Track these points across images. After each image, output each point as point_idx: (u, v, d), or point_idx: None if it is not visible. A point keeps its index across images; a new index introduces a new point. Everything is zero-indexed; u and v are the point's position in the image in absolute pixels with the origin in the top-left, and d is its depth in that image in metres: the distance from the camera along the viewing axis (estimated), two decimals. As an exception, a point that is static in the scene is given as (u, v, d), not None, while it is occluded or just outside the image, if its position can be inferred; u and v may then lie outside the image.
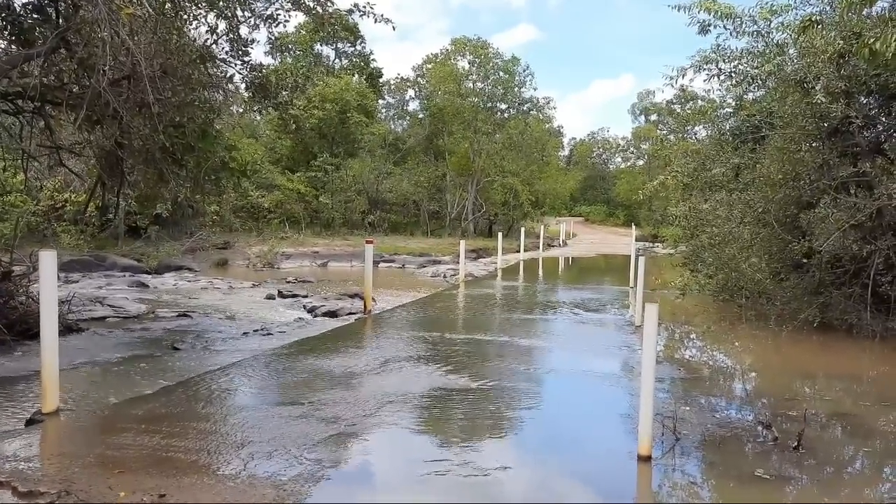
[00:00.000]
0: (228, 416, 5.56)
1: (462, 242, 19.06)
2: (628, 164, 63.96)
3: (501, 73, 39.87)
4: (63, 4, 7.25)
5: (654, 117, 58.30)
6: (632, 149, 62.68)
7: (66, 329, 8.55)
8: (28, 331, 9.01)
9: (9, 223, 13.05)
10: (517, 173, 38.74)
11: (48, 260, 5.49)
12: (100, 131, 8.43)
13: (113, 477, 4.09)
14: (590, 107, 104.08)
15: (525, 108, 42.66)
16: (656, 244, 31.58)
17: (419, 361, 7.81)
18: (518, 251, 27.62)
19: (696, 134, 17.76)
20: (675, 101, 21.22)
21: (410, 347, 8.70)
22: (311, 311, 13.55)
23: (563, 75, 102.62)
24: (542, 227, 35.13)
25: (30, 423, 4.66)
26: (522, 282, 18.84)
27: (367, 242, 12.70)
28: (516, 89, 40.99)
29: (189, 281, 19.30)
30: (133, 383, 7.24)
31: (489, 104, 40.62)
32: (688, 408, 6.07)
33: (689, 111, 17.17)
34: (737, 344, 9.55)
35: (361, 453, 4.90)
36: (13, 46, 7.92)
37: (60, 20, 7.33)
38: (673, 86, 12.93)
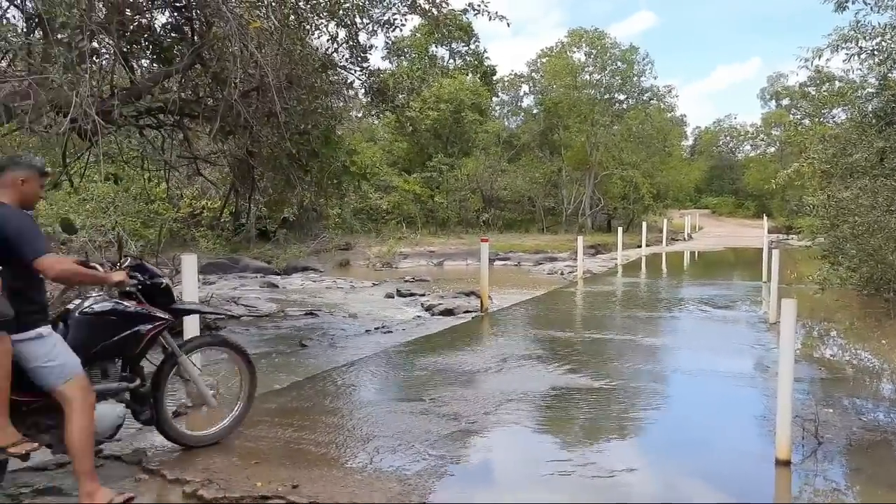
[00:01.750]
0: (354, 410, 5.74)
1: (579, 238, 18.76)
2: (758, 151, 60.72)
3: (619, 64, 38.89)
4: (198, 23, 7.72)
5: (785, 101, 55.04)
6: (762, 136, 59.43)
7: (206, 328, 9.09)
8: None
9: (154, 230, 14.06)
10: (637, 165, 37.60)
11: (189, 263, 5.88)
12: (232, 141, 8.91)
13: (250, 467, 4.33)
14: (715, 94, 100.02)
15: (645, 98, 41.44)
16: (790, 236, 29.84)
17: (538, 360, 7.77)
18: (639, 246, 26.89)
19: (833, 117, 16.60)
20: (809, 83, 19.90)
21: (528, 345, 8.66)
22: (428, 309, 13.77)
23: (685, 62, 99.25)
24: (665, 220, 33.98)
25: (176, 414, 5.00)
26: (644, 278, 18.33)
27: (483, 241, 12.75)
28: (635, 79, 39.90)
29: (314, 281, 20.10)
30: (266, 378, 7.60)
31: (607, 95, 39.74)
32: (830, 410, 5.71)
33: (825, 93, 16.04)
34: (884, 342, 8.86)
35: (483, 450, 4.93)
36: (154, 65, 8.51)
37: (195, 37, 7.80)
38: (808, 68, 12.18)
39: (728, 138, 66.28)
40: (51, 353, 3.66)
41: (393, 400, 5.97)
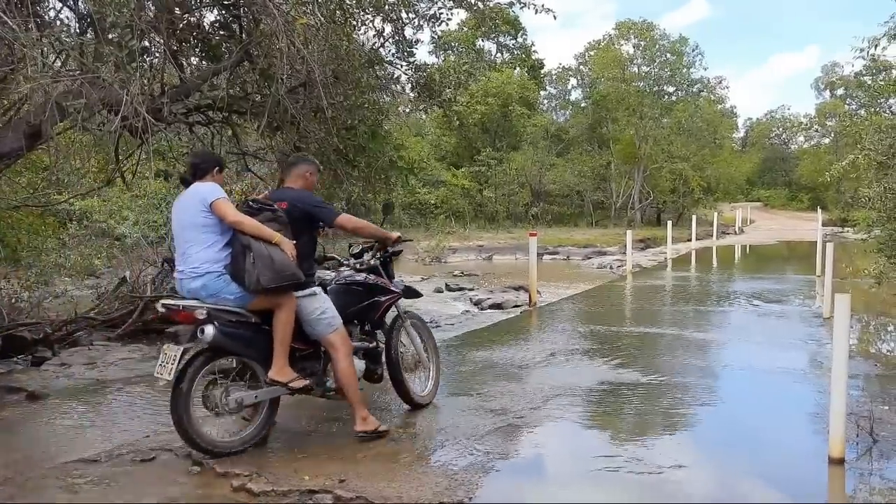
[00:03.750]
0: (401, 405, 5.75)
1: (629, 232, 18.53)
2: (812, 143, 59.08)
3: (668, 55, 38.24)
4: (245, 20, 7.81)
5: (840, 91, 53.40)
6: (816, 127, 57.81)
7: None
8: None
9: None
10: (687, 158, 36.95)
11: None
12: (280, 137, 8.99)
13: (297, 461, 4.37)
14: (770, 84, 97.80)
15: (695, 90, 40.67)
16: (846, 229, 28.97)
17: (586, 354, 7.69)
18: (689, 240, 26.41)
19: (890, 107, 16.04)
20: (864, 72, 19.25)
21: (577, 340, 8.58)
22: (477, 303, 13.73)
23: (739, 52, 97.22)
24: (716, 214, 33.29)
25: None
26: (695, 272, 18.00)
27: (531, 235, 12.67)
28: (685, 70, 39.19)
29: (363, 275, 20.22)
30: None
31: (655, 88, 39.12)
32: (886, 407, 5.52)
33: (881, 83, 15.51)
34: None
35: (530, 446, 4.89)
36: (203, 62, 8.65)
37: (243, 35, 7.90)
38: (864, 57, 11.75)
39: (781, 129, 64.63)
40: (322, 307, 4.63)
41: (441, 394, 5.97)
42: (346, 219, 4.88)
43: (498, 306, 13.08)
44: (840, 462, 4.36)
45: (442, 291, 16.04)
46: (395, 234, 5.28)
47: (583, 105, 42.41)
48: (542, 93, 45.69)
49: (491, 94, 35.70)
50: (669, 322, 10.21)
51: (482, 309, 13.14)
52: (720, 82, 46.18)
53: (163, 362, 4.28)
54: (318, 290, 4.69)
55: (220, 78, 8.25)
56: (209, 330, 4.23)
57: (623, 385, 6.37)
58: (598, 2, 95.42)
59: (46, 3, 7.46)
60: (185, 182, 4.63)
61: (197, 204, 4.38)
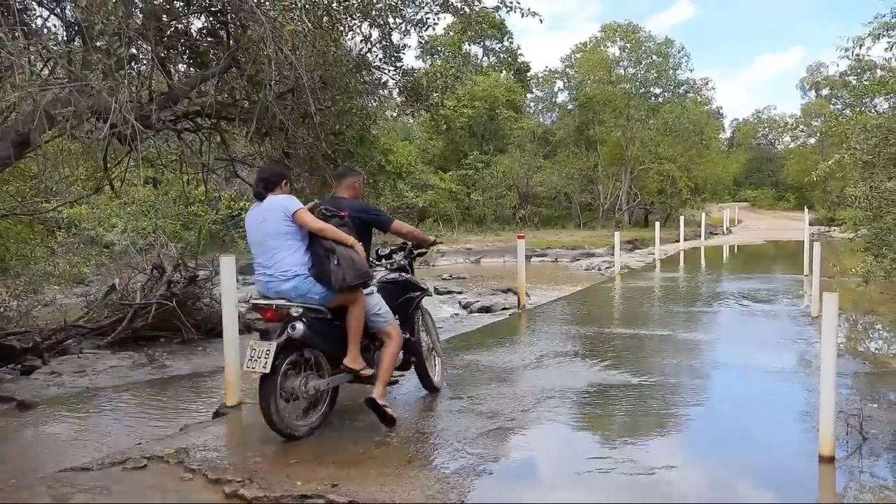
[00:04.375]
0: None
1: (616, 234, 18.60)
2: (798, 143, 59.55)
3: (654, 57, 38.46)
4: (233, 26, 7.83)
5: (825, 91, 53.85)
6: (801, 127, 58.30)
7: (245, 328, 9.22)
8: (212, 330, 9.84)
9: (193, 231, 14.30)
10: (674, 159, 37.17)
11: (228, 265, 5.95)
12: (268, 143, 9.01)
13: (290, 466, 4.37)
14: (755, 84, 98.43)
15: (681, 92, 40.90)
16: (832, 228, 29.21)
17: (576, 356, 7.72)
18: (677, 241, 26.55)
19: (875, 107, 16.20)
20: (849, 72, 19.46)
21: (566, 342, 8.62)
22: (465, 306, 13.77)
23: (724, 53, 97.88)
24: (704, 214, 33.50)
25: (216, 415, 5.10)
26: (683, 272, 18.09)
27: (519, 237, 12.70)
28: (671, 72, 39.42)
29: (352, 280, 20.19)
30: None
31: (642, 90, 39.32)
32: (875, 405, 5.58)
33: (866, 83, 15.68)
34: (932, 335, 8.64)
35: (521, 448, 4.91)
36: (191, 69, 8.65)
37: (231, 41, 7.91)
38: (849, 57, 11.89)
39: (767, 130, 65.09)
40: (379, 303, 5.24)
41: (430, 398, 5.98)
42: (399, 225, 5.62)
43: (487, 309, 13.11)
44: (830, 460, 4.40)
45: (430, 295, 16.05)
46: (431, 238, 6.13)
47: (569, 107, 42.54)
48: (529, 96, 45.83)
49: (478, 97, 35.79)
50: (659, 323, 10.27)
51: (471, 312, 13.17)
52: (706, 83, 46.56)
53: (253, 357, 4.66)
54: (374, 288, 5.29)
55: (208, 84, 8.27)
56: (299, 326, 4.73)
57: (613, 386, 6.41)
58: (585, 4, 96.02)
59: (33, 11, 7.45)
60: (259, 196, 5.09)
61: (279, 215, 4.87)
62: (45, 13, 7.54)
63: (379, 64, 9.66)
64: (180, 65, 8.59)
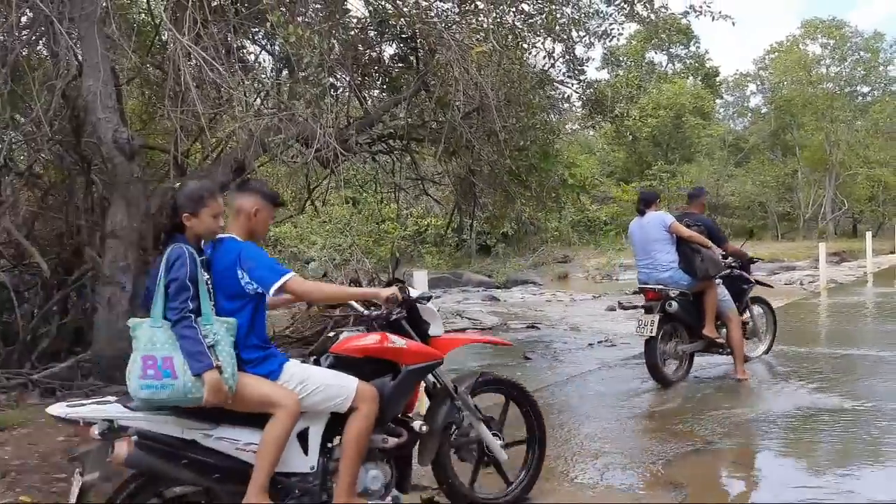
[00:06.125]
0: (581, 425, 5.70)
1: (821, 245, 17.16)
2: None
3: (862, 53, 35.27)
4: (422, 51, 8.19)
5: None
6: None
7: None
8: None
9: (385, 247, 15.06)
10: (887, 163, 33.72)
11: (420, 278, 6.21)
12: (455, 161, 9.31)
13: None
14: None
15: (894, 89, 37.11)
16: None
17: (779, 377, 7.21)
18: (892, 252, 24.00)
19: None
20: None
21: (768, 361, 8.06)
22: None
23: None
24: (924, 223, 30.02)
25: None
26: (901, 288, 16.28)
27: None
28: (881, 68, 35.93)
29: (534, 294, 20.28)
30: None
31: (847, 88, 36.17)
32: None
33: None
34: None
35: (719, 473, 4.66)
36: (384, 94, 9.16)
37: (420, 65, 8.28)
38: None
39: None
40: (723, 291, 6.97)
41: (620, 415, 5.84)
42: (728, 244, 7.25)
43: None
44: None
45: (615, 310, 15.66)
46: (748, 255, 7.62)
47: (763, 111, 40.03)
48: (718, 101, 43.68)
49: (662, 106, 34.67)
50: (872, 343, 9.31)
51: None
52: (925, 77, 41.82)
53: (641, 325, 6.53)
54: (720, 280, 6.83)
55: (399, 107, 8.70)
56: (674, 304, 6.51)
57: (823, 411, 5.90)
58: (777, 2, 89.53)
59: (247, 49, 8.26)
60: (641, 212, 7.02)
61: (659, 226, 6.76)
62: (258, 49, 8.32)
63: (562, 78, 9.67)
64: (374, 90, 9.12)
